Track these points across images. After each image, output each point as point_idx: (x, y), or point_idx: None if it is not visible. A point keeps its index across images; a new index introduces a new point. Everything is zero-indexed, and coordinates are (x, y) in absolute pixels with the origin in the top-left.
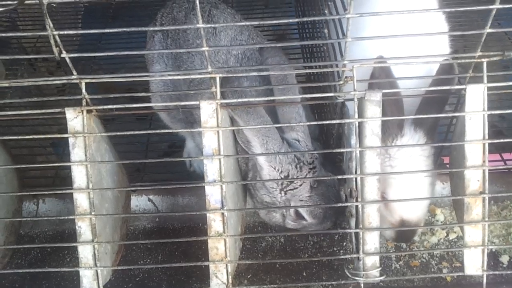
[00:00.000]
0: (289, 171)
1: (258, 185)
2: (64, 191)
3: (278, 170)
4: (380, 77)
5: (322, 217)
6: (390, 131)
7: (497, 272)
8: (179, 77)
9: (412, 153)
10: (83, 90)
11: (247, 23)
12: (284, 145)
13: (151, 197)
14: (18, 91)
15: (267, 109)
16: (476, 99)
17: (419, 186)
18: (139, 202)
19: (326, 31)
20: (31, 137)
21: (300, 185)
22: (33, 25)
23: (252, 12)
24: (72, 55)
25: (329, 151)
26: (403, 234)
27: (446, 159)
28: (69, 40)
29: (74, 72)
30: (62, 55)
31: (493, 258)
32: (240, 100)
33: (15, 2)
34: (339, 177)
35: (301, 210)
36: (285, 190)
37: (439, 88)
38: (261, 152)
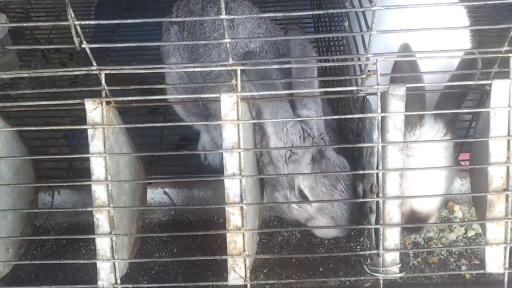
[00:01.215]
0: (293, 141)
1: (266, 161)
2: (82, 183)
3: (284, 140)
4: (404, 68)
5: (327, 200)
6: (410, 119)
7: None
8: (199, 69)
9: (430, 143)
10: (103, 82)
11: (268, 14)
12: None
13: (166, 190)
14: (31, 82)
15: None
16: (501, 95)
17: (434, 179)
18: (154, 195)
19: (346, 24)
20: (49, 127)
21: (302, 157)
22: (46, 16)
23: (265, 5)
24: (93, 45)
25: (352, 145)
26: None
27: (462, 155)
28: (83, 32)
29: (94, 63)
30: (83, 46)
31: None
32: (261, 92)
33: None
34: (360, 172)
35: (302, 186)
36: (287, 161)
37: (463, 83)
38: (270, 118)
